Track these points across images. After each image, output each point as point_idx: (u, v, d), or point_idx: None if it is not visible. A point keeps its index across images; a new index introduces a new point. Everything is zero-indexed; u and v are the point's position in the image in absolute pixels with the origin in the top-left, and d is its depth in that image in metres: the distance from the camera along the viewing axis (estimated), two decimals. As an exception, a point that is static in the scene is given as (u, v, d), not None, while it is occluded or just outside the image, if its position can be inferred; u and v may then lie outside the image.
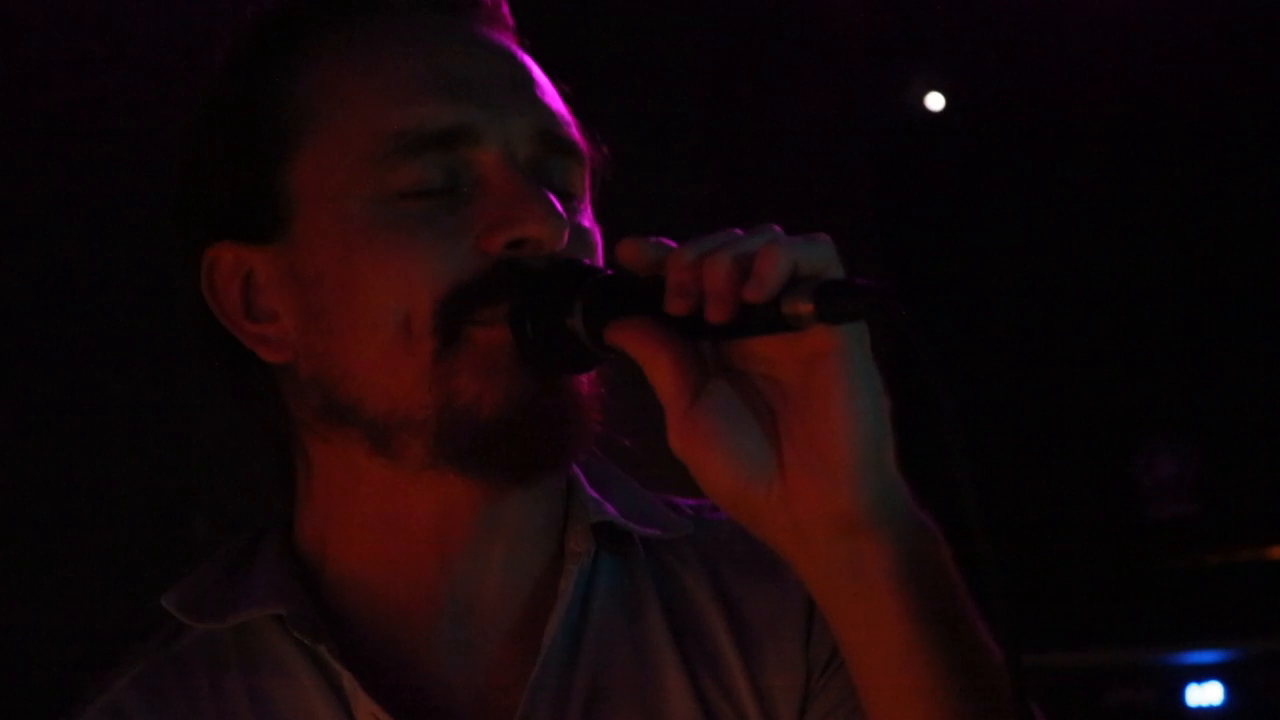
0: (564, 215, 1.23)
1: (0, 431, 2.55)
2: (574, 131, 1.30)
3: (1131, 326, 4.28)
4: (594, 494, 1.34)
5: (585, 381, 1.26)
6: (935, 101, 4.20)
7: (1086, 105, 4.10)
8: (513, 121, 1.26)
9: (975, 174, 4.16)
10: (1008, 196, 4.18)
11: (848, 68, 3.98)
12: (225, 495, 1.41)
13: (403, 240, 1.22)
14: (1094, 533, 4.27)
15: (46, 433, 2.58)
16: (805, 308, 1.04)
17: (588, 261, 1.26)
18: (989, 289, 4.21)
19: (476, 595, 1.29)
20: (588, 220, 1.30)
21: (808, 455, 1.08)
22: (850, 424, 1.07)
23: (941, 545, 1.12)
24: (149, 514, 2.60)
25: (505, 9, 1.34)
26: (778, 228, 1.09)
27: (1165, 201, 4.19)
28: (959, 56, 4.16)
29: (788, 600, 1.31)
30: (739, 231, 1.11)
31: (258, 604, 1.28)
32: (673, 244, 1.13)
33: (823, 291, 1.04)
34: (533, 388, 1.21)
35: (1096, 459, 4.33)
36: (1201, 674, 4.17)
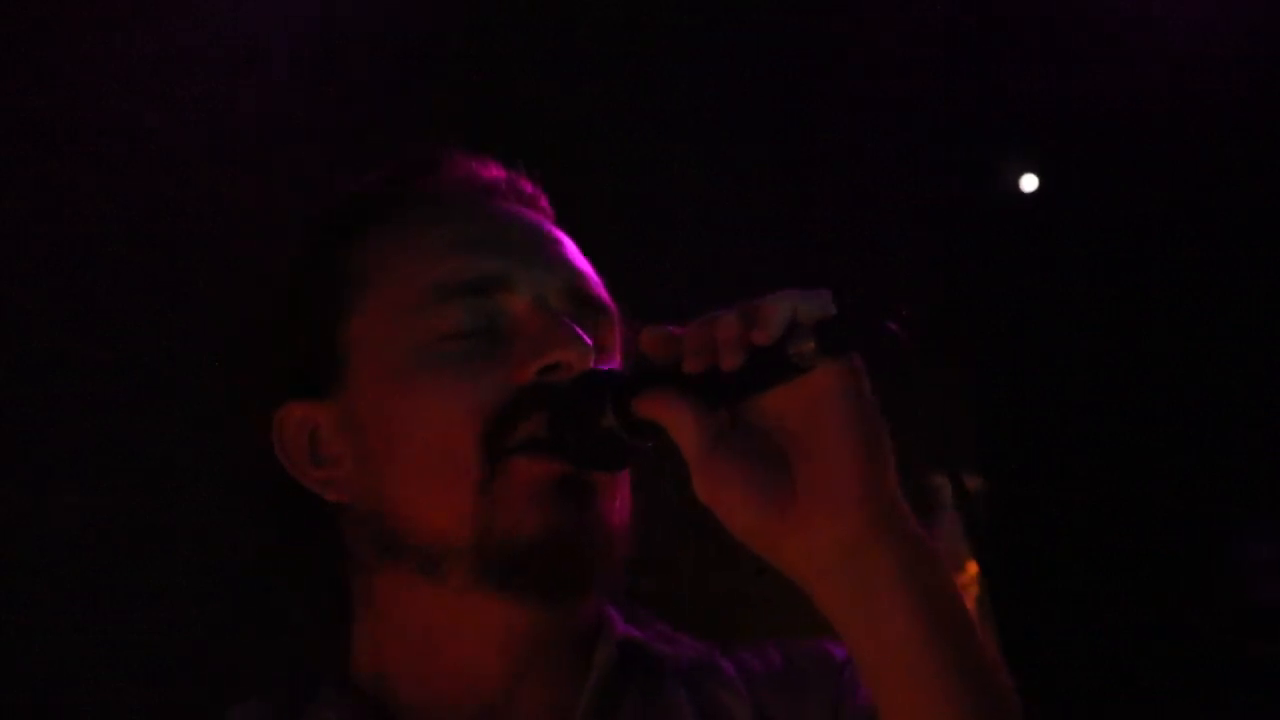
0: (589, 342, 1.35)
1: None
2: (603, 291, 1.43)
3: (1231, 406, 4.24)
4: (623, 623, 1.46)
5: (618, 515, 1.37)
6: (1029, 183, 4.20)
7: (1187, 182, 4.08)
8: (544, 274, 1.39)
9: (1070, 254, 4.15)
10: (1101, 278, 4.16)
11: (941, 150, 3.99)
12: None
13: (442, 379, 1.34)
14: (1191, 617, 4.22)
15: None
16: (808, 345, 1.14)
17: (609, 368, 1.38)
18: (1085, 369, 4.19)
19: (511, 711, 1.39)
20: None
21: (815, 486, 1.17)
22: (851, 454, 1.17)
23: (940, 561, 1.21)
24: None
25: (545, 201, 1.48)
26: None
27: (1266, 284, 4.15)
28: (1053, 137, 4.15)
29: (816, 705, 1.41)
30: None
31: None
32: None
33: (822, 326, 1.15)
34: (567, 518, 1.32)
35: (1193, 541, 4.28)
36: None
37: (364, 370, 1.38)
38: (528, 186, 1.47)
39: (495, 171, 1.46)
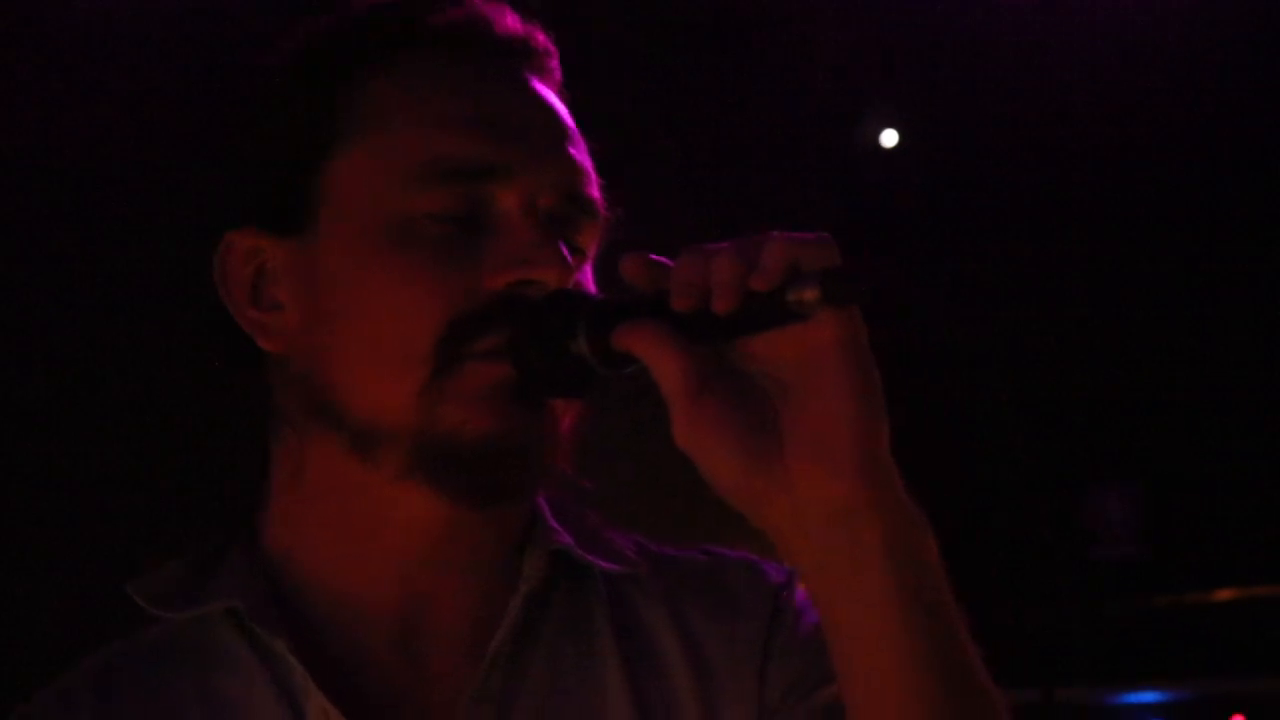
0: (571, 264, 1.28)
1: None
2: (596, 190, 1.35)
3: (1081, 369, 4.30)
4: (555, 525, 1.37)
5: (565, 420, 1.31)
6: (889, 138, 4.23)
7: (1043, 145, 4.13)
8: (542, 170, 1.30)
9: (929, 210, 4.18)
10: (960, 234, 4.19)
11: (807, 104, 4.00)
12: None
13: (414, 263, 1.26)
14: (1041, 574, 4.28)
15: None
16: (811, 293, 1.07)
17: (584, 291, 1.31)
18: (939, 327, 4.22)
19: (431, 610, 1.32)
20: (587, 279, 1.34)
21: (808, 444, 1.11)
22: (849, 412, 1.10)
23: (931, 534, 1.15)
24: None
25: (554, 62, 1.38)
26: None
27: (1116, 247, 4.22)
28: (915, 94, 4.18)
29: (746, 637, 1.35)
30: None
31: (219, 597, 1.32)
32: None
33: (828, 275, 1.07)
34: (517, 422, 1.26)
35: (1044, 501, 4.34)
36: (1145, 714, 4.18)
37: (335, 221, 1.29)
38: (541, 43, 1.37)
39: (512, 24, 1.36)
